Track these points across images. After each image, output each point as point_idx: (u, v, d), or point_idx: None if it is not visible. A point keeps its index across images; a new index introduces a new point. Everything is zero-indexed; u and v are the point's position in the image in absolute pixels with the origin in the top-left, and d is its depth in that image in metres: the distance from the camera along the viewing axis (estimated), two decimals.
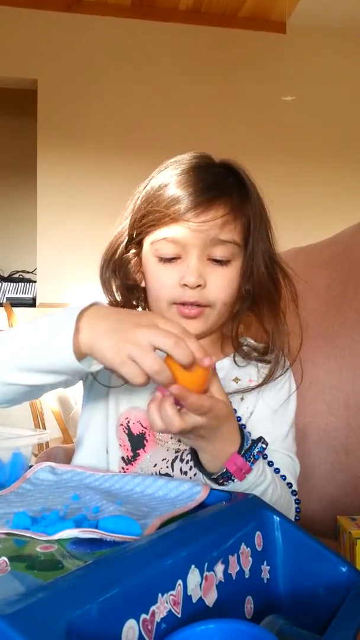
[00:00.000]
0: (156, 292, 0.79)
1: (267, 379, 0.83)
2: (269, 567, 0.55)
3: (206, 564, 0.47)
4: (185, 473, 0.82)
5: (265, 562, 0.55)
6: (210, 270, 0.77)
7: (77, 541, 0.48)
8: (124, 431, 0.84)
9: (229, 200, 0.78)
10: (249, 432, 0.72)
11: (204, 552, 0.48)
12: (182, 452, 0.83)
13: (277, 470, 0.79)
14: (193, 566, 0.45)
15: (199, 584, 0.46)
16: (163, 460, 0.82)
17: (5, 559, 0.43)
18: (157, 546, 0.45)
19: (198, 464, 0.69)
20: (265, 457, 0.76)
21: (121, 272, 0.85)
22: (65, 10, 3.28)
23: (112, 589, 0.38)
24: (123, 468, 0.83)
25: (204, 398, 0.62)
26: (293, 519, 0.79)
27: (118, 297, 0.86)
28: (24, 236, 3.86)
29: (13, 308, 2.82)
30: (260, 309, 0.85)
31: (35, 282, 3.35)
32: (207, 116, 3.41)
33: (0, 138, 4.16)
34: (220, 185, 0.78)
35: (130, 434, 0.84)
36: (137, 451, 0.83)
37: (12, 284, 3.41)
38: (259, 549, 0.55)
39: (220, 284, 0.78)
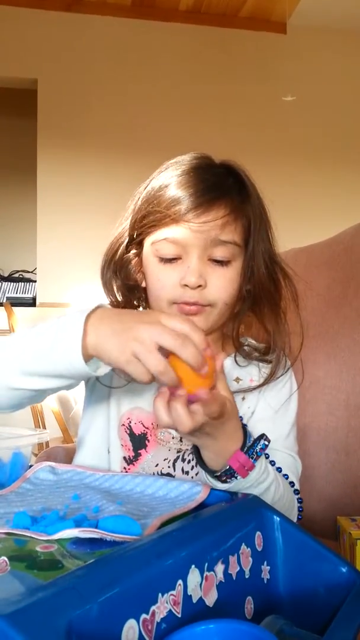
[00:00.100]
0: (157, 292, 0.79)
1: (269, 379, 0.84)
2: (269, 568, 0.55)
3: (206, 564, 0.47)
4: (187, 473, 0.82)
5: (265, 562, 0.55)
6: (211, 270, 0.77)
7: (77, 541, 0.48)
8: (126, 431, 0.84)
9: (229, 201, 0.78)
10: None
11: (204, 552, 0.48)
12: (184, 452, 0.83)
13: (279, 470, 0.79)
14: (193, 566, 0.45)
15: (199, 584, 0.46)
16: (165, 460, 0.83)
17: (5, 558, 0.43)
18: (157, 546, 0.45)
19: (200, 461, 0.69)
20: (267, 456, 0.76)
21: (122, 272, 0.85)
22: (65, 10, 3.28)
23: (112, 588, 0.38)
24: (125, 468, 0.83)
25: (218, 397, 0.62)
26: (295, 518, 0.80)
27: (119, 298, 0.86)
28: (24, 236, 3.86)
29: (13, 308, 2.82)
30: (261, 309, 0.85)
31: (35, 281, 3.35)
32: (207, 116, 3.41)
33: (0, 138, 4.16)
34: (220, 186, 0.79)
35: (131, 434, 0.84)
36: (139, 451, 0.84)
37: (12, 283, 3.41)
38: (259, 549, 0.55)
39: (221, 284, 0.78)
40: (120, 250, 0.84)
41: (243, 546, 0.53)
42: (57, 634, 0.33)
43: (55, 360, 0.65)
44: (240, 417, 0.81)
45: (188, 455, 0.83)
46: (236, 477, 0.67)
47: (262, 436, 0.69)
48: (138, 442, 0.84)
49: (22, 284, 3.41)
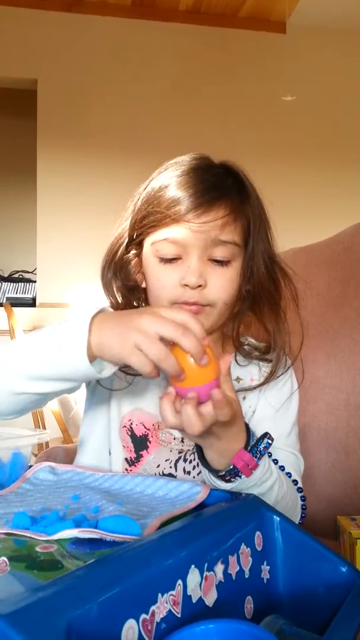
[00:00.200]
0: (157, 292, 0.79)
1: (269, 378, 0.84)
2: (268, 567, 0.55)
3: (206, 564, 0.47)
4: (189, 473, 0.82)
5: (265, 562, 0.55)
6: (211, 270, 0.78)
7: (76, 541, 0.48)
8: (127, 433, 0.85)
9: (229, 201, 0.78)
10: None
11: (203, 552, 0.48)
12: (186, 453, 0.83)
13: (282, 468, 0.79)
14: (193, 566, 0.45)
15: (199, 584, 0.46)
16: (166, 460, 0.83)
17: (5, 559, 0.43)
18: (157, 546, 0.45)
19: (203, 461, 0.69)
20: (270, 455, 0.77)
21: (122, 273, 0.85)
22: (65, 10, 3.28)
23: (112, 589, 0.38)
24: (126, 469, 0.84)
25: (230, 400, 0.63)
26: (299, 516, 0.80)
27: (119, 299, 0.86)
28: (24, 236, 3.86)
29: (13, 308, 2.82)
30: (260, 308, 0.85)
31: (35, 282, 3.35)
32: (207, 116, 3.41)
33: (0, 138, 4.16)
34: (220, 186, 0.79)
35: (133, 436, 0.84)
36: (140, 452, 0.84)
37: (12, 284, 3.41)
38: (259, 549, 0.55)
39: (221, 284, 0.78)
40: (120, 251, 0.84)
41: (243, 546, 0.53)
42: (57, 634, 0.33)
43: (61, 362, 0.66)
44: None
45: (190, 456, 0.83)
46: (240, 477, 0.67)
47: (266, 435, 0.69)
48: (139, 443, 0.84)
49: (22, 284, 3.41)
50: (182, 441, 0.84)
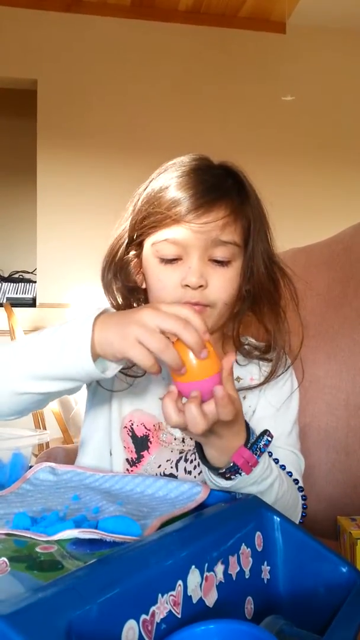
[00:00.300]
0: (157, 293, 0.79)
1: (270, 377, 0.84)
2: (269, 568, 0.55)
3: (206, 565, 0.47)
4: (190, 473, 0.82)
5: (265, 563, 0.55)
6: (212, 271, 0.78)
7: (77, 542, 0.48)
8: (128, 433, 0.85)
9: (229, 202, 0.78)
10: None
11: (204, 552, 0.47)
12: (186, 453, 0.83)
13: (282, 467, 0.79)
14: (193, 566, 0.45)
15: (199, 585, 0.46)
16: (167, 461, 0.83)
17: (5, 559, 0.43)
18: (157, 547, 0.45)
19: (203, 459, 0.69)
20: (270, 454, 0.77)
21: (122, 273, 0.85)
22: (65, 11, 3.28)
23: (112, 589, 0.38)
24: (127, 470, 0.84)
25: (233, 399, 0.63)
26: (300, 515, 0.80)
27: (119, 299, 0.86)
28: (24, 236, 3.86)
29: (13, 308, 2.82)
30: (260, 308, 0.85)
31: (35, 282, 3.35)
32: (207, 116, 3.41)
33: (0, 138, 4.16)
34: (220, 187, 0.79)
35: (134, 436, 0.85)
36: (141, 453, 0.84)
37: (12, 284, 3.41)
38: (259, 549, 0.55)
39: (221, 284, 0.78)
40: (120, 252, 0.84)
41: (243, 546, 0.53)
42: (57, 634, 0.33)
43: (64, 361, 0.66)
44: None
45: (190, 456, 0.83)
46: (240, 474, 0.67)
47: (265, 432, 0.69)
48: (140, 444, 0.84)
49: (22, 284, 3.40)
50: (183, 441, 0.84)
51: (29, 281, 3.46)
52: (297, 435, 0.87)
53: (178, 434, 0.84)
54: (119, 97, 3.33)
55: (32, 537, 0.49)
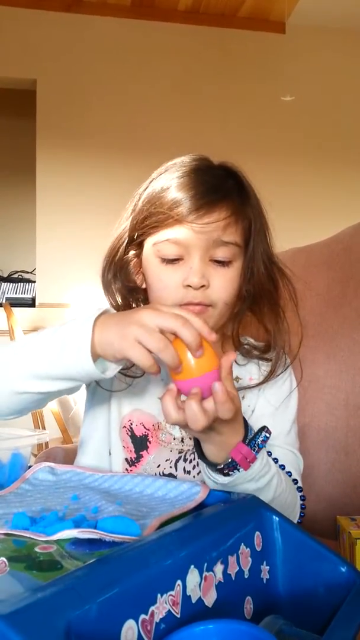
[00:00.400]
0: (159, 294, 0.79)
1: (269, 377, 0.84)
2: (268, 568, 0.55)
3: (205, 564, 0.47)
4: (189, 472, 0.83)
5: (264, 562, 0.55)
6: (213, 271, 0.78)
7: (76, 541, 0.48)
8: (127, 433, 0.85)
9: (230, 202, 0.78)
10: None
11: (203, 552, 0.47)
12: (186, 453, 0.83)
13: (282, 467, 0.79)
14: (192, 566, 0.45)
15: (198, 584, 0.46)
16: (166, 461, 0.83)
17: (5, 559, 0.43)
18: (156, 546, 0.45)
19: (201, 455, 0.69)
20: (270, 453, 0.77)
21: (122, 273, 0.85)
22: (64, 11, 3.28)
23: (112, 589, 0.38)
24: (127, 469, 0.84)
25: (233, 397, 0.63)
26: (298, 515, 0.80)
27: (119, 300, 0.86)
28: (23, 236, 3.86)
29: (12, 308, 2.82)
30: (260, 308, 0.85)
31: (34, 282, 3.35)
32: (207, 116, 3.41)
33: (0, 138, 4.16)
34: (221, 187, 0.79)
35: (133, 436, 0.85)
36: (140, 453, 0.84)
37: (11, 284, 3.40)
38: (259, 549, 0.55)
39: (223, 284, 0.78)
40: (120, 252, 0.84)
41: (242, 546, 0.53)
42: (56, 634, 0.33)
43: (65, 361, 0.66)
44: None
45: (190, 455, 0.83)
46: (238, 470, 0.67)
47: (263, 428, 0.69)
48: (139, 443, 0.84)
49: (22, 284, 3.40)
50: (182, 441, 0.84)
51: (29, 281, 3.46)
52: (296, 435, 0.87)
53: (177, 433, 0.84)
54: (118, 97, 3.33)
55: (31, 537, 0.49)
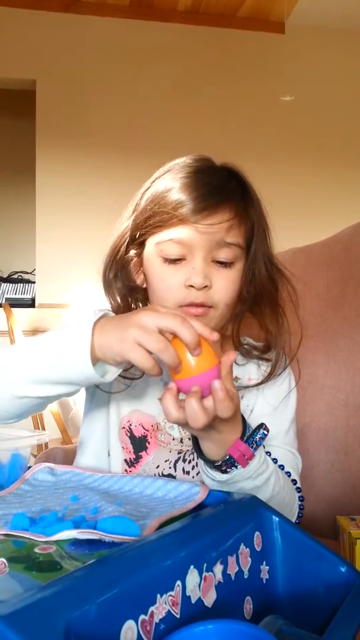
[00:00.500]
0: (161, 293, 0.79)
1: (269, 377, 0.84)
2: (268, 568, 0.55)
3: (205, 565, 0.47)
4: (188, 473, 0.83)
5: (264, 563, 0.55)
6: (215, 272, 0.78)
7: (75, 542, 0.48)
8: (126, 434, 0.85)
9: (233, 204, 0.78)
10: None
11: (202, 552, 0.47)
12: (185, 453, 0.83)
13: (281, 467, 0.79)
14: (192, 567, 0.45)
15: (198, 585, 0.46)
16: (165, 461, 0.83)
17: (4, 560, 0.43)
18: (156, 547, 0.45)
19: (199, 452, 0.69)
20: (269, 453, 0.77)
21: (123, 272, 0.85)
22: (63, 11, 3.28)
23: (111, 589, 0.38)
24: (126, 470, 0.84)
25: (232, 395, 0.63)
26: (296, 514, 0.80)
27: (118, 299, 0.86)
28: (23, 236, 3.86)
29: (12, 309, 2.82)
30: (261, 309, 0.85)
31: (34, 282, 3.35)
32: (207, 116, 3.41)
33: None
34: (225, 189, 0.79)
35: (132, 437, 0.85)
36: (140, 453, 0.84)
37: (11, 284, 3.41)
38: (258, 549, 0.55)
39: (224, 285, 0.78)
40: (121, 251, 0.84)
41: (242, 546, 0.53)
42: (56, 635, 0.33)
43: (64, 366, 0.67)
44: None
45: (189, 456, 0.83)
46: (236, 467, 0.67)
47: (261, 425, 0.69)
48: (139, 444, 0.84)
49: (21, 284, 3.40)
50: (181, 442, 0.84)
51: (28, 281, 3.46)
52: (294, 435, 0.87)
53: (176, 434, 0.84)
54: (118, 97, 3.33)
55: (31, 537, 0.49)
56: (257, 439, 0.68)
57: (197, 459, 0.71)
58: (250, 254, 0.82)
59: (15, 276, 3.64)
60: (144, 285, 0.84)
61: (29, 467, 0.74)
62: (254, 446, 0.68)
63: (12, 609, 0.33)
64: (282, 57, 3.52)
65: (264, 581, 0.55)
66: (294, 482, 0.81)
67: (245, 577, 0.52)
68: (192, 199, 0.76)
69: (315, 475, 1.01)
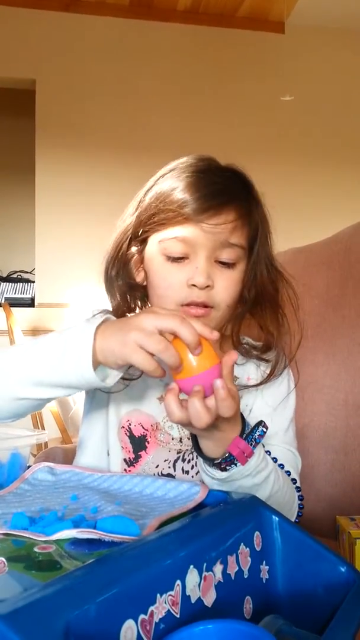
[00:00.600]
0: (162, 292, 0.79)
1: (269, 378, 0.84)
2: (267, 567, 0.55)
3: (205, 564, 0.47)
4: (187, 472, 0.83)
5: (264, 562, 0.55)
6: (217, 272, 0.78)
7: (75, 541, 0.48)
8: (126, 434, 0.85)
9: (238, 205, 0.79)
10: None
11: (202, 552, 0.47)
12: (184, 453, 0.83)
13: (281, 466, 0.79)
14: (192, 566, 0.45)
15: (198, 584, 0.45)
16: (165, 461, 0.83)
17: (4, 559, 0.43)
18: (155, 546, 0.45)
19: (198, 450, 0.69)
20: (268, 453, 0.77)
21: (124, 270, 0.85)
22: (63, 10, 3.28)
23: (111, 589, 0.38)
24: (125, 470, 0.84)
25: (234, 394, 0.63)
26: (296, 513, 0.80)
27: (119, 297, 0.86)
28: (23, 236, 3.86)
29: (11, 308, 2.81)
30: (261, 310, 0.85)
31: (33, 282, 3.35)
32: (206, 116, 3.41)
33: None
34: (229, 189, 0.79)
35: (131, 436, 0.85)
36: (139, 453, 0.84)
37: (10, 284, 3.41)
38: (258, 549, 0.55)
39: (226, 286, 0.78)
40: (123, 248, 0.84)
41: (242, 546, 0.52)
42: (55, 634, 0.33)
43: (66, 369, 0.67)
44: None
45: (188, 456, 0.83)
46: (236, 464, 0.67)
47: (260, 423, 0.69)
48: (138, 444, 0.84)
49: (21, 284, 3.40)
50: (181, 441, 0.84)
51: (28, 281, 3.46)
52: (294, 434, 0.88)
53: (176, 434, 0.84)
54: (117, 96, 3.33)
55: (31, 537, 0.49)
56: (256, 437, 0.68)
57: (197, 458, 0.71)
58: (253, 255, 0.82)
59: (15, 276, 3.64)
60: (144, 283, 0.84)
61: (29, 467, 0.74)
62: (253, 443, 0.68)
63: (12, 608, 0.33)
64: (281, 56, 3.52)
65: (264, 581, 0.55)
66: (294, 481, 0.81)
67: (245, 576, 0.52)
68: (196, 199, 0.76)
69: (315, 475, 1.01)
